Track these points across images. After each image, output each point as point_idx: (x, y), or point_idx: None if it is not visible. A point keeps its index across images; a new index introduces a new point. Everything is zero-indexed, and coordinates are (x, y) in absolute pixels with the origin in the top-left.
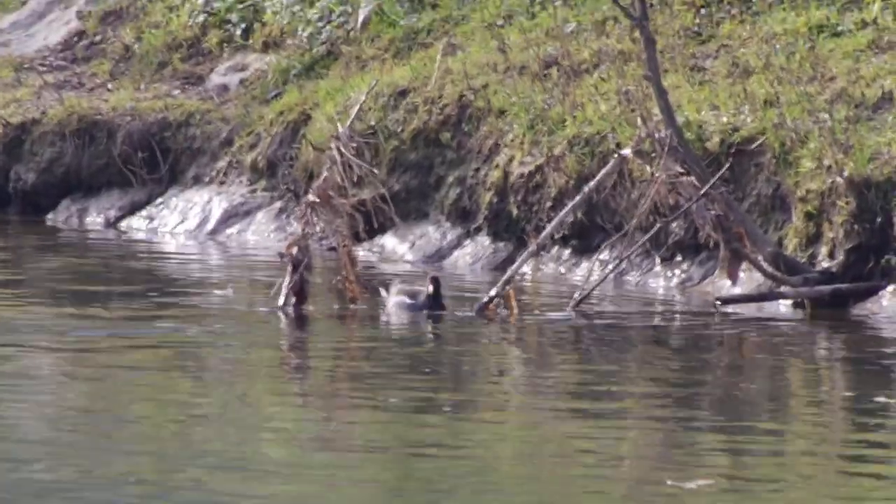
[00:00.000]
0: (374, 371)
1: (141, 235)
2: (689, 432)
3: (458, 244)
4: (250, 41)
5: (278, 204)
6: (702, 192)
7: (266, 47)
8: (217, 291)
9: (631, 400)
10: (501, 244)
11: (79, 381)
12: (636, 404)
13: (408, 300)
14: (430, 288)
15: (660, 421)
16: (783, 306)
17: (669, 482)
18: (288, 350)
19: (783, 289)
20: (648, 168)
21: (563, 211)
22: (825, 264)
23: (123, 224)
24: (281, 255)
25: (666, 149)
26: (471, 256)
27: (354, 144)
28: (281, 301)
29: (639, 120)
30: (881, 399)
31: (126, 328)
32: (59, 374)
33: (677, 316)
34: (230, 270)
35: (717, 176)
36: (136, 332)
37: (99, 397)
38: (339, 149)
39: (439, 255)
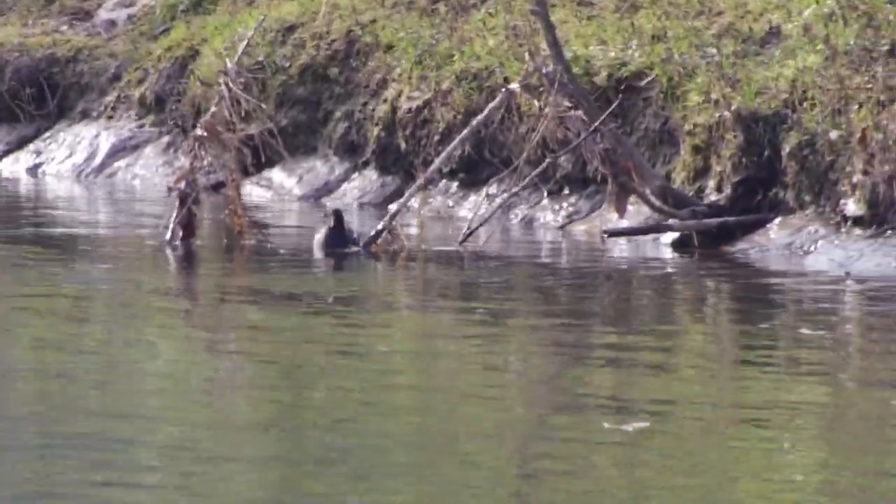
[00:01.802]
0: (258, 309)
1: (26, 175)
2: (587, 368)
3: (345, 178)
4: None
5: (166, 138)
6: (592, 127)
7: None
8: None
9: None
10: (389, 178)
11: None
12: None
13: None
14: (332, 221)
15: (556, 353)
16: (667, 248)
17: (607, 425)
18: (175, 287)
19: (671, 222)
20: (537, 103)
21: (451, 145)
22: (713, 198)
23: (9, 158)
24: (169, 189)
25: (554, 84)
26: (358, 190)
27: (242, 79)
28: (168, 235)
29: (526, 55)
30: (764, 326)
31: (18, 266)
32: None
33: (564, 250)
34: (117, 204)
35: (608, 112)
36: (25, 270)
37: None
38: (227, 84)
39: (327, 189)
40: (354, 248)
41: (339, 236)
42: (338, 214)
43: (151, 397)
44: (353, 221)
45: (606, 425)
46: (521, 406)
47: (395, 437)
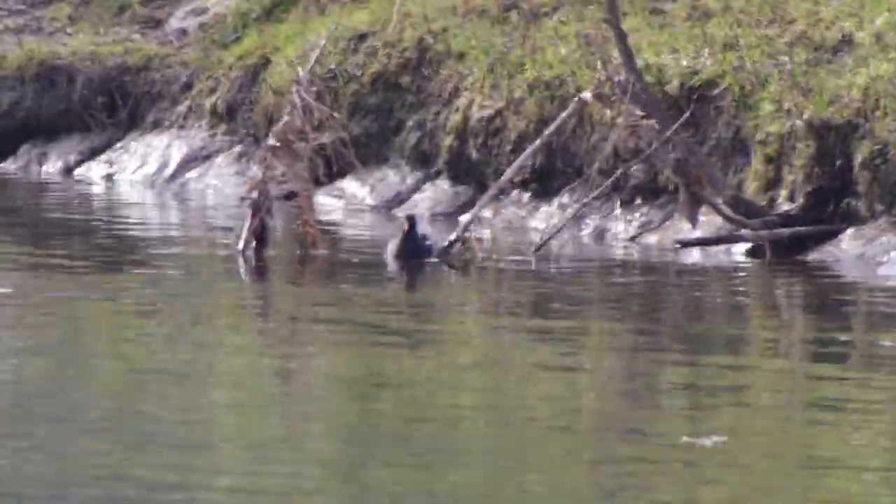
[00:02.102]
0: (332, 314)
1: (100, 185)
2: (670, 383)
3: (417, 188)
4: None
5: (238, 148)
6: (664, 137)
7: None
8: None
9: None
10: (461, 188)
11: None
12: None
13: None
14: (406, 226)
15: (633, 369)
16: (741, 256)
17: (685, 438)
18: (250, 295)
19: (742, 232)
20: (609, 112)
21: (524, 155)
22: (785, 207)
23: (83, 168)
24: (242, 199)
25: (626, 93)
26: (431, 200)
27: (315, 88)
28: (241, 244)
29: (599, 63)
30: (842, 337)
31: (93, 277)
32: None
33: (637, 260)
34: (190, 214)
35: (680, 121)
36: (105, 278)
37: (66, 341)
38: (299, 93)
39: (399, 199)
40: (428, 258)
41: (413, 244)
42: (411, 221)
43: (225, 409)
44: (426, 230)
45: (685, 438)
46: (598, 418)
47: (467, 453)
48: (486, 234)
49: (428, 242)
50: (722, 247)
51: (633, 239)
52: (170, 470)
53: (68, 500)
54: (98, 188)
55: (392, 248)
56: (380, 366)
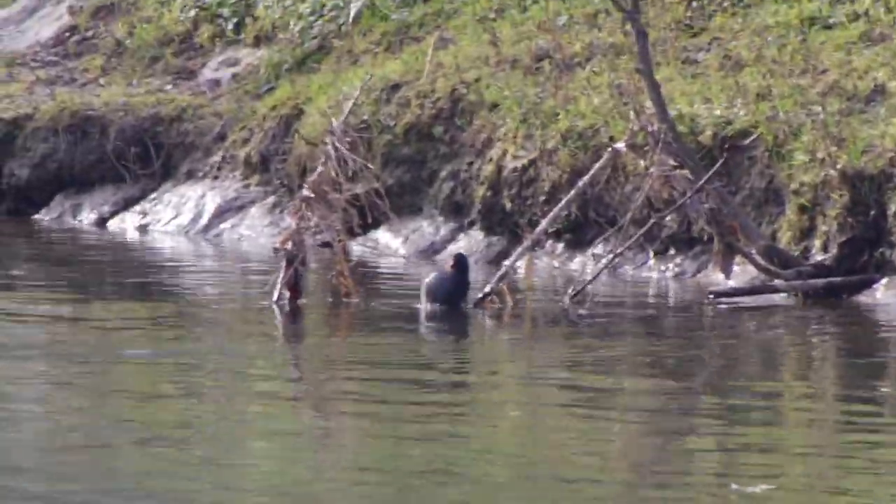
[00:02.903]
0: (364, 372)
1: (134, 235)
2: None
3: (451, 238)
4: (242, 35)
5: (272, 199)
6: (697, 186)
7: (258, 42)
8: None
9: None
10: (495, 238)
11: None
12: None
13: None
14: (452, 264)
15: (671, 419)
16: (778, 298)
17: (734, 486)
18: (283, 346)
19: (776, 282)
20: (642, 162)
21: (558, 206)
22: (819, 257)
23: (116, 219)
24: (275, 250)
25: (659, 142)
26: (465, 250)
27: (349, 139)
28: (275, 296)
29: (631, 113)
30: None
31: (123, 324)
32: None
33: (671, 308)
34: (223, 264)
35: (713, 171)
36: (133, 325)
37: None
38: (333, 143)
39: (433, 250)
40: (461, 303)
41: (452, 284)
42: (460, 260)
43: (255, 467)
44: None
45: (734, 486)
46: (638, 468)
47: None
48: (521, 283)
49: (467, 285)
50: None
51: (671, 287)
52: None
53: None
54: (133, 240)
55: (431, 282)
56: (411, 428)
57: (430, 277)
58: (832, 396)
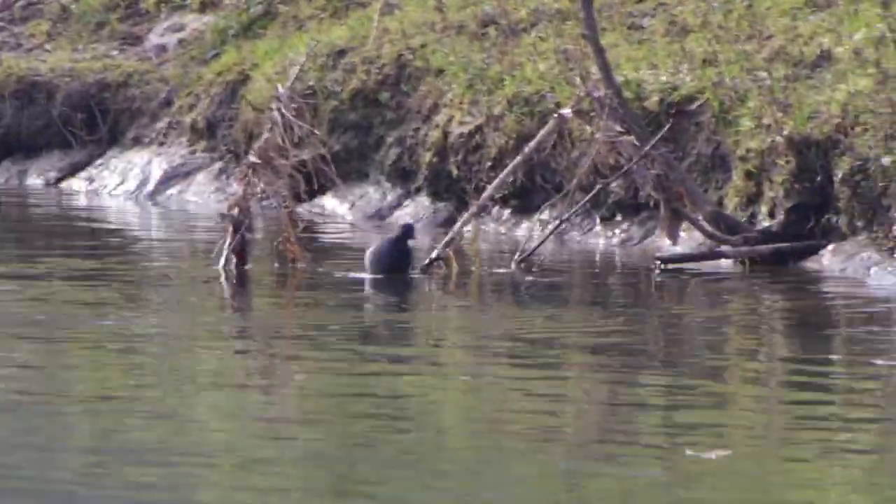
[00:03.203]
0: (308, 333)
1: (81, 197)
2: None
3: (398, 204)
4: (188, 1)
5: (218, 165)
6: (643, 152)
7: (203, 7)
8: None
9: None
10: (442, 204)
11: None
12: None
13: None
14: (399, 232)
15: (617, 383)
16: (723, 263)
17: (689, 452)
18: (229, 312)
19: (723, 248)
20: (588, 128)
21: (504, 172)
22: (765, 223)
23: (63, 185)
24: (222, 216)
25: (605, 108)
26: (411, 216)
27: (295, 105)
28: (222, 262)
29: (577, 79)
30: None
31: (67, 289)
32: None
33: (618, 274)
34: (171, 229)
35: (658, 136)
36: (77, 291)
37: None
38: (279, 109)
39: (380, 216)
40: (406, 270)
41: (398, 253)
42: (407, 229)
43: (207, 431)
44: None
45: (689, 452)
46: (584, 435)
47: (441, 473)
48: (467, 248)
49: (410, 254)
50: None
51: (617, 252)
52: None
53: None
54: (79, 205)
55: (373, 253)
56: (364, 385)
57: (373, 246)
58: (780, 363)
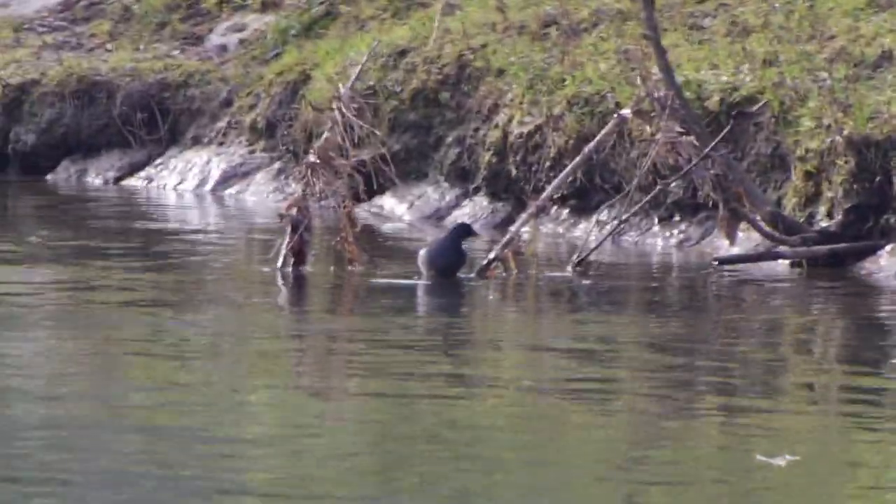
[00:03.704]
0: (369, 335)
1: (140, 196)
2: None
3: (456, 204)
4: (249, 1)
5: (277, 164)
6: (703, 153)
7: (265, 7)
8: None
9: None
10: (500, 204)
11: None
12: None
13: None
14: (456, 231)
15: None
16: (781, 266)
17: (759, 457)
18: (287, 312)
19: (781, 248)
20: (648, 128)
21: (564, 172)
22: (824, 224)
23: (122, 184)
24: (280, 216)
25: (665, 108)
26: (469, 217)
27: (356, 105)
28: (280, 262)
29: (638, 79)
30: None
31: (125, 287)
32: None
33: (676, 276)
34: (230, 229)
35: (719, 137)
36: (135, 289)
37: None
38: (340, 109)
39: (438, 216)
40: (458, 271)
41: (454, 250)
42: (465, 229)
43: (257, 435)
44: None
45: (760, 457)
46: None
47: (507, 468)
48: (526, 249)
49: (464, 255)
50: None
51: (675, 253)
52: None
53: None
54: (138, 204)
55: (427, 255)
56: (416, 406)
57: (427, 246)
58: (839, 365)
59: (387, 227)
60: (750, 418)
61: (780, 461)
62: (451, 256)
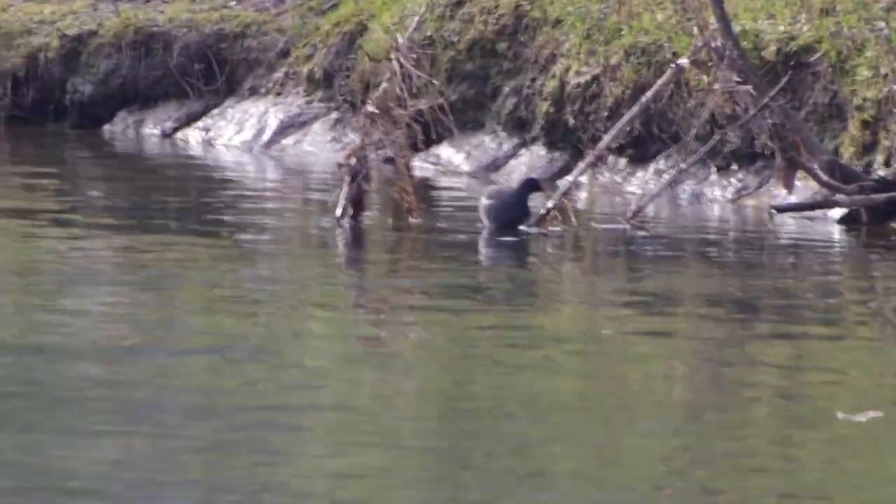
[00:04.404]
0: (421, 287)
1: (198, 146)
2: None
3: (513, 154)
4: None
5: (334, 115)
6: (761, 103)
7: None
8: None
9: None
10: (557, 154)
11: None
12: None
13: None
14: (524, 185)
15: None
16: (834, 225)
17: (840, 415)
18: (346, 265)
19: (837, 197)
20: (705, 77)
21: (621, 121)
22: (881, 172)
23: (179, 135)
24: (339, 166)
25: (723, 58)
26: (526, 167)
27: (414, 55)
28: (339, 212)
29: (695, 29)
30: None
31: (182, 240)
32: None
33: (733, 227)
34: (285, 181)
35: (777, 87)
36: (195, 245)
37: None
38: (398, 59)
39: (495, 165)
40: (523, 224)
41: (521, 204)
42: (532, 184)
43: (319, 387)
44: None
45: (841, 415)
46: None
47: (563, 430)
48: (583, 199)
49: (529, 211)
50: (817, 213)
51: (731, 202)
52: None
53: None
54: (196, 155)
55: (494, 208)
56: (476, 344)
57: (491, 196)
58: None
59: (443, 180)
60: (821, 375)
61: (861, 417)
62: (515, 212)
